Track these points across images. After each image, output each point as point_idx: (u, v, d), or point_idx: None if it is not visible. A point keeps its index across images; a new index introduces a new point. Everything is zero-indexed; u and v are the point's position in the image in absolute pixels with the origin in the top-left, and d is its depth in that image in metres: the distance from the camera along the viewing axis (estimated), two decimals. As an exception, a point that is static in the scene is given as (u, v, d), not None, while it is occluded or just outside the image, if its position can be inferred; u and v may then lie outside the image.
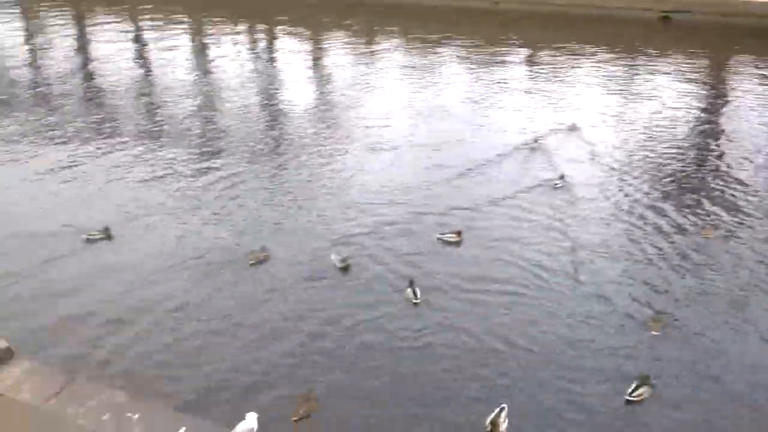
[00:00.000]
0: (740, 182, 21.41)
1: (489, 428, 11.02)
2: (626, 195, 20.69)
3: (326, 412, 11.70)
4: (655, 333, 13.85)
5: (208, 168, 22.80)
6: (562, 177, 21.30)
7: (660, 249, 17.37)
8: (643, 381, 12.19)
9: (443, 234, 17.51)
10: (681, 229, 18.39)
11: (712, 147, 24.90)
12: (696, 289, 15.63)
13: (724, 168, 22.77)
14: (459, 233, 17.48)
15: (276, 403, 11.81)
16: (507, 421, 11.13)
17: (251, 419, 9.95)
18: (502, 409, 11.26)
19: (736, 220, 18.97)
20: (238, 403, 11.55)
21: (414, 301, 14.84)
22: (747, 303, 15.02)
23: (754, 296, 15.29)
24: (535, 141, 24.79)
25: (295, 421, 11.32)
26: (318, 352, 13.44)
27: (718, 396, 12.27)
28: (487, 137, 25.75)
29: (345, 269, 15.87)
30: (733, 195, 20.54)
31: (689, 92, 31.20)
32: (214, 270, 16.28)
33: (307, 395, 11.78)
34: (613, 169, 22.64)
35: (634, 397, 11.99)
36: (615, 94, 31.33)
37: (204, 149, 24.80)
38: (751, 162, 23.12)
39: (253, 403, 11.34)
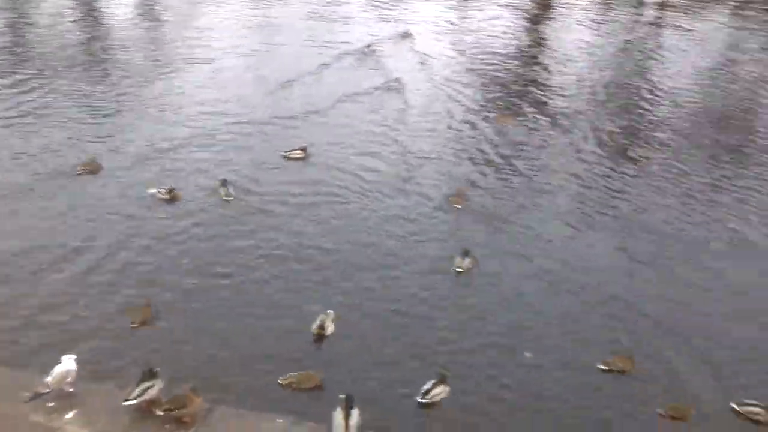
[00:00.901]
0: (557, 88, 22.62)
1: (316, 332, 11.11)
2: (453, 100, 21.13)
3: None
4: (457, 207, 15.01)
5: (27, 88, 20.55)
6: (397, 80, 21.56)
7: (482, 150, 18.09)
8: (466, 253, 13.13)
9: (288, 151, 16.96)
10: (502, 133, 19.14)
11: (535, 56, 25.92)
12: (508, 181, 16.66)
13: (543, 75, 23.90)
14: (304, 149, 17.01)
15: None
16: (333, 325, 11.23)
17: (68, 362, 9.18)
18: (327, 315, 11.33)
19: (550, 119, 20.15)
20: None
21: (225, 198, 14.73)
22: (550, 191, 16.26)
23: (557, 184, 16.56)
24: (368, 47, 24.51)
25: (133, 327, 10.98)
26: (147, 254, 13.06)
27: (519, 269, 13.30)
28: (319, 47, 25.11)
29: (171, 200, 14.92)
30: (548, 98, 21.74)
31: (520, 5, 31.87)
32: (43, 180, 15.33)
33: (142, 308, 11.32)
34: (443, 75, 23.00)
35: (460, 268, 12.90)
36: (449, 4, 31.52)
37: (23, 70, 22.19)
38: (566, 68, 24.35)
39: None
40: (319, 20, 28.51)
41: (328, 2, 31.13)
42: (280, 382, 10.12)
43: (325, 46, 25.13)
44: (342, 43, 25.47)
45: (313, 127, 18.85)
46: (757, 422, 9.86)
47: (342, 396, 8.83)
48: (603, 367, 10.80)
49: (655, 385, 10.63)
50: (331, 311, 11.41)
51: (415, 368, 10.65)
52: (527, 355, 11.11)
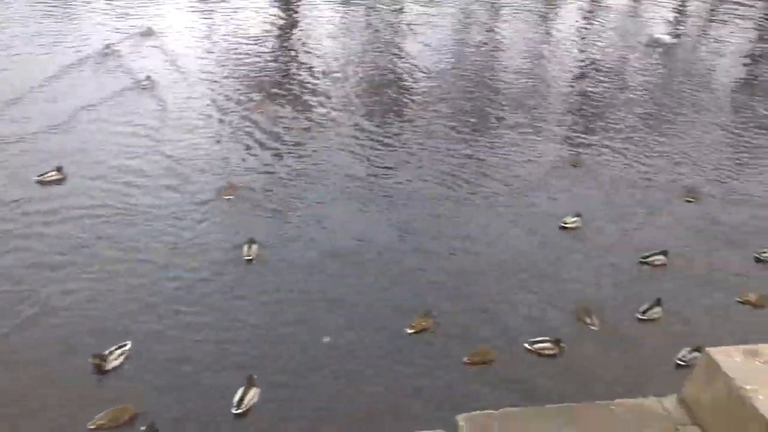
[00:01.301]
0: (316, 71, 22.76)
1: (96, 361, 10.07)
2: (212, 94, 20.36)
3: None
4: (230, 198, 14.82)
5: None
6: (148, 78, 20.22)
7: (249, 140, 17.72)
8: (251, 241, 13.12)
9: (42, 175, 14.93)
10: (266, 121, 18.82)
11: (288, 43, 25.78)
12: (280, 167, 16.56)
13: (300, 60, 23.91)
14: (59, 169, 15.13)
15: None
16: (123, 357, 10.28)
17: None
18: (121, 346, 10.36)
19: (314, 102, 20.34)
20: None
21: None
22: (324, 171, 16.42)
23: (329, 165, 16.76)
24: (108, 48, 22.57)
25: None
26: None
27: (303, 252, 13.42)
28: (50, 54, 22.34)
29: None
30: (309, 82, 21.86)
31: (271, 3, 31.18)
32: None
33: None
34: (197, 70, 21.99)
35: (250, 256, 12.89)
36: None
37: None
38: (321, 51, 24.62)
39: None
40: (45, 24, 25.46)
41: (51, 4, 27.90)
42: (90, 427, 9.15)
43: (58, 53, 22.55)
44: (78, 46, 23.07)
45: (60, 141, 16.88)
46: (549, 355, 10.96)
47: (143, 428, 8.19)
48: (410, 330, 11.25)
49: (456, 337, 11.32)
50: (129, 344, 10.42)
51: (221, 373, 10.25)
52: (325, 340, 11.11)
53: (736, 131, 20.21)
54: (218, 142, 17.56)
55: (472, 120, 19.80)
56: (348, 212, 14.92)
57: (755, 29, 30.62)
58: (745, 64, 26.33)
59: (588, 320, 11.82)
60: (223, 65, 22.57)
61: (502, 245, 14.09)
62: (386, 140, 18.21)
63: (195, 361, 10.49)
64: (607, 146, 18.64)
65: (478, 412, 5.73)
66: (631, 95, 22.43)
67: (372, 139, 18.17)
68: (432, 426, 5.83)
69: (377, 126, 19.03)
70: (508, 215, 15.19)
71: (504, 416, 5.71)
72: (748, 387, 5.30)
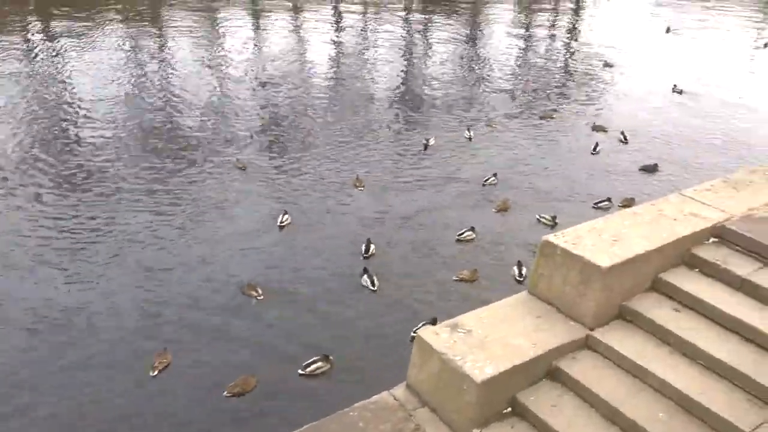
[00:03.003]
0: None
1: None
2: None
3: None
4: None
5: None
6: None
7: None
8: None
9: None
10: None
11: None
12: None
13: None
14: None
15: None
16: None
17: None
18: None
19: None
20: None
21: None
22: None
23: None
24: None
25: None
26: None
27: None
28: None
29: None
30: None
31: None
32: None
33: None
34: None
35: None
36: None
37: None
38: None
39: None
40: None
41: None
42: None
43: None
44: None
45: None
46: (323, 374, 11.03)
47: None
48: (153, 373, 10.76)
49: (206, 371, 10.91)
50: None
51: None
52: None
53: (396, 131, 21.70)
54: None
55: (161, 162, 18.49)
56: (18, 276, 13.23)
57: (404, 45, 33.52)
58: (402, 77, 27.94)
59: (254, 293, 12.80)
60: None
61: (222, 262, 13.97)
62: (68, 203, 16.26)
63: None
64: (285, 159, 19.09)
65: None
66: (302, 116, 22.55)
67: (53, 207, 16.06)
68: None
69: (58, 196, 16.66)
70: (218, 233, 15.03)
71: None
72: (456, 357, 5.88)
